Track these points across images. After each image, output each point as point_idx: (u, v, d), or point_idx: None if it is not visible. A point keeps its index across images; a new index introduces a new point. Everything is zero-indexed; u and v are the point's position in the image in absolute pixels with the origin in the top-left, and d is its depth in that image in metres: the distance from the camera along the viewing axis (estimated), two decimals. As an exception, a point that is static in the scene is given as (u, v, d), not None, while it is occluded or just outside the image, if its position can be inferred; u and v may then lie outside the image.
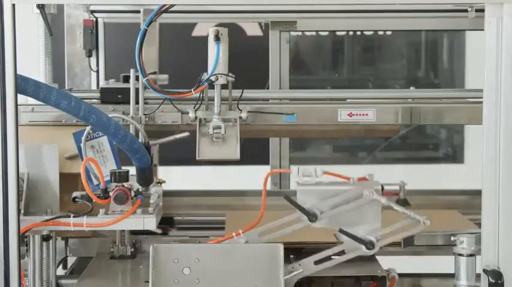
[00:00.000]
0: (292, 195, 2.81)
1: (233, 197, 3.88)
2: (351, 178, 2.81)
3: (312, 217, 2.74)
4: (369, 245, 2.74)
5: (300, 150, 6.79)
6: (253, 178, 4.11)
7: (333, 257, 2.79)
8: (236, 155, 3.12)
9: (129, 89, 3.29)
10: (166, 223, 3.55)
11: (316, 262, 2.78)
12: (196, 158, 3.12)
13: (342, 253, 2.78)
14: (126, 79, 3.40)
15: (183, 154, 3.36)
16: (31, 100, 3.03)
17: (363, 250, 2.74)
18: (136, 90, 3.27)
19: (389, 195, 2.95)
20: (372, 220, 2.77)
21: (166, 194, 3.15)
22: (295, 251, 3.00)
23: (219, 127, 3.11)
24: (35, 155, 2.85)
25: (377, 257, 3.04)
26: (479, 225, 2.65)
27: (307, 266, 2.77)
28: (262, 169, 4.30)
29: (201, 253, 2.69)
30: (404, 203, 3.15)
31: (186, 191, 3.94)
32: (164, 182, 3.17)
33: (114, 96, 3.29)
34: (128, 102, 3.24)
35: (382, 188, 2.78)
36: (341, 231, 2.73)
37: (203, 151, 3.11)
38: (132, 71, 3.22)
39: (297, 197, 2.79)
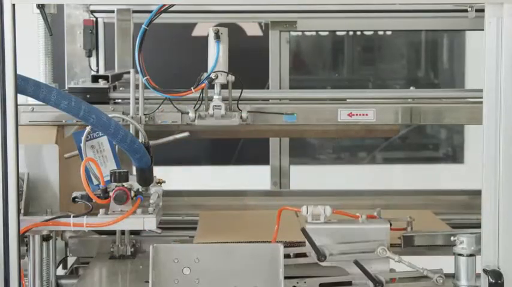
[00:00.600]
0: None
1: (233, 197, 3.88)
2: (360, 216, 2.84)
3: (321, 256, 2.76)
4: (379, 285, 2.75)
5: (299, 151, 6.79)
6: (253, 177, 4.12)
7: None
8: (236, 122, 3.11)
9: (97, 89, 3.30)
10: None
11: (322, 285, 2.79)
12: (196, 123, 3.10)
13: (349, 283, 2.80)
14: (95, 79, 3.41)
15: (183, 153, 3.36)
16: (31, 100, 3.03)
17: None
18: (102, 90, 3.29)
19: (396, 230, 2.97)
20: (380, 264, 2.79)
21: (166, 194, 3.14)
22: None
23: (219, 107, 3.10)
24: (35, 155, 2.85)
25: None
26: (479, 225, 2.64)
27: (311, 286, 2.79)
28: (262, 169, 4.30)
29: (201, 253, 2.69)
30: (409, 242, 3.13)
31: (186, 191, 3.94)
32: (164, 182, 3.17)
33: (82, 97, 3.27)
34: (96, 103, 3.23)
35: (390, 225, 2.82)
36: (355, 263, 2.74)
37: (201, 120, 3.11)
38: (131, 70, 3.22)
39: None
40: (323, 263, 2.76)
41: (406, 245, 3.02)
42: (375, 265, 2.77)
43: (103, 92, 3.36)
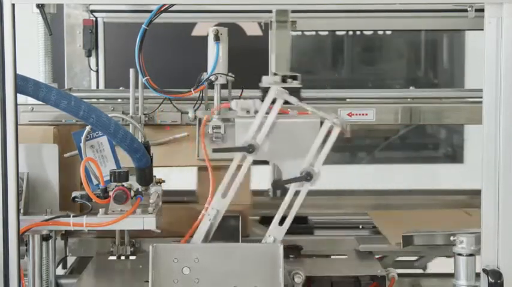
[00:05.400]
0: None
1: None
2: (290, 111, 2.82)
3: (249, 148, 2.75)
4: (308, 177, 2.74)
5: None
6: (253, 177, 4.10)
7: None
8: (236, 155, 3.11)
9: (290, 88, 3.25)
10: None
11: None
12: (196, 158, 3.12)
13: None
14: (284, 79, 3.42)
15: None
16: (31, 100, 3.03)
17: (308, 186, 2.75)
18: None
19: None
20: (310, 147, 2.76)
21: (166, 194, 3.14)
22: (295, 252, 3.01)
23: (218, 127, 3.11)
24: (35, 155, 2.85)
25: (376, 257, 3.04)
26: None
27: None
28: (263, 168, 4.31)
29: (200, 253, 2.69)
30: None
31: (186, 190, 3.94)
32: (164, 181, 3.17)
33: None
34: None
35: (321, 123, 2.79)
36: (274, 186, 2.73)
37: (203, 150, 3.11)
38: (131, 70, 3.22)
39: (235, 130, 2.80)
40: (253, 157, 2.74)
41: (406, 245, 3.01)
42: (306, 156, 2.76)
43: (296, 91, 3.34)
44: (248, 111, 2.79)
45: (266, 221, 3.62)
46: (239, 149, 2.75)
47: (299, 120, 2.81)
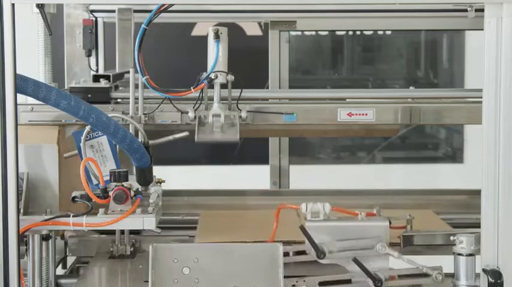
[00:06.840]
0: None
1: (233, 196, 3.88)
2: (359, 214, 2.83)
3: (321, 254, 2.75)
4: (378, 282, 2.74)
5: (300, 150, 6.79)
6: (252, 177, 4.12)
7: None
8: (236, 137, 3.11)
9: (98, 88, 3.29)
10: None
11: (321, 284, 2.78)
12: (195, 140, 3.10)
13: (348, 281, 2.79)
14: (97, 79, 3.41)
15: (183, 153, 3.35)
16: (31, 100, 3.03)
17: (370, 285, 2.75)
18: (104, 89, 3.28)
19: (396, 228, 2.97)
20: (379, 262, 2.78)
21: (166, 193, 3.14)
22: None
23: (218, 115, 3.10)
24: (34, 155, 2.85)
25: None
26: (478, 225, 2.64)
27: (310, 285, 2.79)
28: (262, 168, 4.31)
29: (200, 253, 2.69)
30: (409, 241, 3.11)
31: (185, 190, 3.94)
32: (164, 181, 3.16)
33: (83, 96, 3.27)
34: (98, 102, 3.21)
35: (390, 223, 2.80)
36: (354, 261, 2.73)
37: (202, 134, 3.10)
38: (131, 70, 3.22)
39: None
40: (322, 261, 2.76)
41: (406, 244, 3.02)
42: (374, 263, 2.77)
43: (104, 91, 3.36)
44: (317, 215, 2.80)
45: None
46: (315, 247, 2.75)
47: (369, 223, 2.81)
